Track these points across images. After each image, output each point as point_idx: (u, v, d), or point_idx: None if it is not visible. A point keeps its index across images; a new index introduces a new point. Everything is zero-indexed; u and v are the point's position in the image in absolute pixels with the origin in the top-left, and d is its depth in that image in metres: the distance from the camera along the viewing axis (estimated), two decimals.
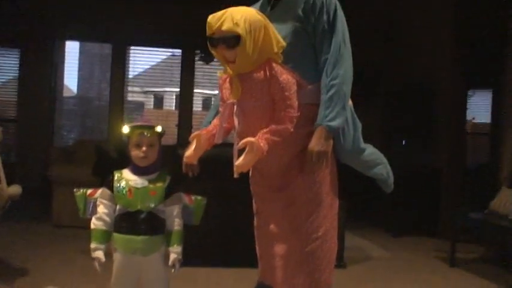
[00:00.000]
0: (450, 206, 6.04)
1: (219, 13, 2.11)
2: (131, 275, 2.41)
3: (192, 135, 2.31)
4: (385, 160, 2.62)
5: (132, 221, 2.34)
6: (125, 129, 2.40)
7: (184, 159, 2.32)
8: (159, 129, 2.43)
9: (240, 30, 2.06)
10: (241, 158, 2.10)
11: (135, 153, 2.38)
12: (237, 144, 2.22)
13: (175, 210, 2.43)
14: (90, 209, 2.46)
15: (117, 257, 2.40)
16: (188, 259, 2.61)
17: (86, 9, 7.91)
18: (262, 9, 2.35)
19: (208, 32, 2.13)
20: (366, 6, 7.72)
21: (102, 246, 2.39)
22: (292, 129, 2.17)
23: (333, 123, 2.19)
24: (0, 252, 4.31)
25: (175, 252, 2.38)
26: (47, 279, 3.65)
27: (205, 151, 2.36)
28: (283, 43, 2.21)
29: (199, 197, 2.52)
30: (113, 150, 6.05)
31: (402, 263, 4.83)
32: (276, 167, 2.31)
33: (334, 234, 2.39)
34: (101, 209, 2.41)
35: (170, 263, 2.38)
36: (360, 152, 2.46)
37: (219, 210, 3.87)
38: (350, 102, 2.39)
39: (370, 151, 2.53)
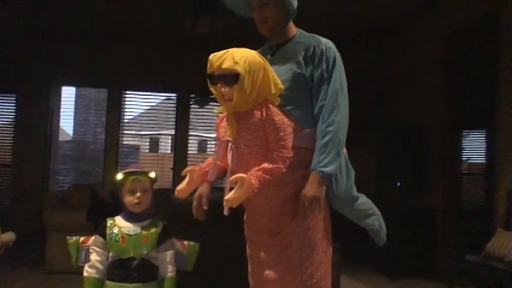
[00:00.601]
0: (446, 247, 6.02)
1: (221, 52, 2.18)
2: None
3: (185, 170, 2.32)
4: (378, 212, 2.60)
5: (125, 268, 2.34)
6: (119, 176, 2.42)
7: (176, 193, 2.32)
8: (152, 175, 2.45)
9: (239, 68, 2.12)
10: (232, 192, 2.12)
11: (130, 199, 2.39)
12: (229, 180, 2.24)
13: (169, 256, 2.43)
14: (83, 256, 2.46)
15: None
16: None
17: (82, 54, 8.03)
18: (264, 54, 2.41)
19: (209, 70, 2.20)
20: (359, 50, 7.86)
21: None
22: (284, 170, 2.18)
23: (327, 169, 2.21)
24: None
25: None
26: None
27: (197, 187, 2.36)
28: (282, 86, 2.25)
29: (192, 243, 2.53)
30: (107, 194, 6.05)
31: None
32: (268, 209, 2.30)
33: (328, 280, 2.38)
34: (94, 257, 2.40)
35: None
36: (352, 200, 2.46)
37: (211, 255, 3.84)
38: (344, 150, 2.41)
39: (363, 200, 2.52)
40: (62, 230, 5.52)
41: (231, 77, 2.14)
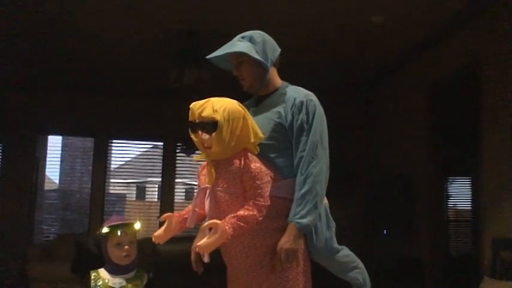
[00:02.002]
0: None
1: (202, 101, 2.24)
2: None
3: (164, 215, 2.31)
4: (362, 265, 2.58)
5: None
6: (104, 229, 2.39)
7: (153, 239, 2.31)
8: (137, 226, 2.43)
9: (218, 116, 2.17)
10: (205, 238, 2.12)
11: (117, 253, 2.37)
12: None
13: None
14: None
15: None
16: None
17: (68, 104, 8.07)
18: (250, 105, 2.48)
19: (190, 118, 2.25)
20: (344, 100, 7.98)
21: None
22: (260, 218, 2.19)
23: (303, 221, 2.22)
24: None
25: None
26: None
27: (175, 234, 2.35)
28: (261, 135, 2.29)
29: None
30: (93, 245, 5.99)
31: None
32: (245, 259, 2.28)
33: None
34: None
35: None
36: (333, 252, 2.45)
37: None
38: (326, 201, 2.43)
39: (345, 253, 2.51)
40: (47, 282, 5.47)
41: (210, 125, 2.19)
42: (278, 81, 2.54)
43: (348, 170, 7.06)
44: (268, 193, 2.23)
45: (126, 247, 2.37)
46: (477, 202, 5.86)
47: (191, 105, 2.24)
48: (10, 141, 8.08)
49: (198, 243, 2.13)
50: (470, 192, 8.39)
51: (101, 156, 8.53)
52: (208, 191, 2.27)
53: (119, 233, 2.37)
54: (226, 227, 2.12)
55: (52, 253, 5.96)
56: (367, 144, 8.01)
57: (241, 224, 2.15)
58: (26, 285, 5.71)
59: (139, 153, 9.88)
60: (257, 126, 2.30)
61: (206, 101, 2.23)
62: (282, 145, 2.38)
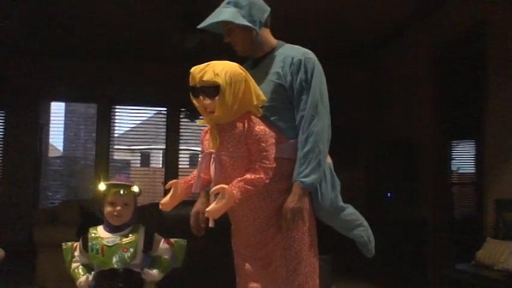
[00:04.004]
0: (437, 257, 6.04)
1: (202, 65, 2.20)
2: None
3: (169, 183, 2.32)
4: (366, 223, 2.60)
5: (109, 279, 2.36)
6: (101, 186, 2.42)
7: (160, 207, 2.32)
8: (135, 189, 2.44)
9: (220, 80, 2.14)
10: (213, 203, 2.13)
11: (109, 211, 2.40)
12: (214, 196, 2.24)
13: (163, 249, 2.49)
14: None
15: None
16: None
17: (71, 70, 8.04)
18: (247, 68, 2.43)
19: (191, 83, 2.22)
20: (349, 64, 7.94)
21: (84, 276, 2.42)
22: (267, 180, 2.20)
23: (307, 180, 2.22)
24: None
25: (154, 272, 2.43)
26: None
27: (181, 200, 2.36)
28: (264, 97, 2.27)
29: (179, 239, 2.55)
30: (97, 210, 6.03)
31: None
32: (252, 221, 2.30)
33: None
34: (77, 253, 2.46)
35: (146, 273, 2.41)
36: (338, 211, 2.46)
37: (202, 267, 3.85)
38: (330, 160, 2.43)
39: (350, 211, 2.52)
40: (53, 247, 5.49)
41: (212, 89, 2.16)
42: (273, 41, 2.51)
43: (352, 134, 7.05)
44: (273, 155, 2.22)
45: (119, 208, 2.39)
46: (481, 165, 5.86)
47: (191, 70, 2.21)
48: (13, 108, 8.09)
49: (207, 209, 2.13)
50: (474, 156, 8.40)
51: (105, 122, 8.54)
52: (213, 156, 2.27)
53: (114, 193, 2.39)
54: (234, 191, 2.12)
55: (57, 218, 5.98)
56: (371, 108, 7.98)
57: (249, 187, 2.16)
58: (33, 249, 5.77)
59: (143, 120, 9.87)
60: (259, 89, 2.28)
61: (206, 65, 2.20)
62: (283, 106, 2.37)
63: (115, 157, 9.23)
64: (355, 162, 7.01)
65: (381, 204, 6.57)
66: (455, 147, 8.41)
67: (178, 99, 7.93)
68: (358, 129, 7.80)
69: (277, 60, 2.41)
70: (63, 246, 2.51)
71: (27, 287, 5.65)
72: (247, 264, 2.40)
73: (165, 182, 8.42)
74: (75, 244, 2.51)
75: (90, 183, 8.66)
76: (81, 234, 2.53)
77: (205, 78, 2.16)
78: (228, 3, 2.41)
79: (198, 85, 2.19)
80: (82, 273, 2.44)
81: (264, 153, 2.20)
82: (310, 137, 2.26)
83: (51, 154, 9.31)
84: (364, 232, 2.58)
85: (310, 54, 2.40)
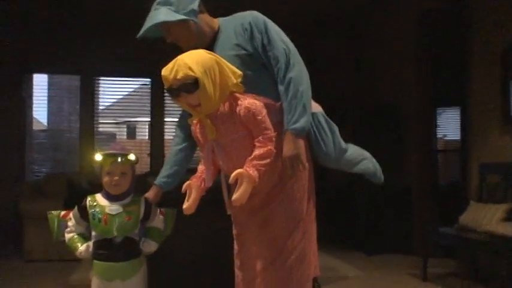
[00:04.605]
0: (421, 222, 6.13)
1: (170, 64, 2.14)
2: None
3: (184, 186, 2.29)
4: (368, 154, 2.67)
5: (109, 248, 2.36)
6: (97, 157, 2.40)
7: (184, 212, 2.27)
8: (132, 157, 2.43)
9: (195, 73, 2.09)
10: (236, 192, 2.11)
11: (107, 180, 2.39)
12: (225, 181, 2.28)
13: (158, 220, 2.52)
14: (63, 231, 2.48)
15: (95, 282, 2.41)
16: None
17: (52, 41, 7.92)
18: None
19: (166, 85, 2.16)
20: (332, 32, 7.91)
21: (85, 245, 2.41)
22: (275, 150, 2.19)
23: (297, 126, 2.24)
24: None
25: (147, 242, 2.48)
26: None
27: (199, 197, 2.31)
28: (239, 72, 2.25)
29: (169, 209, 2.58)
30: (84, 182, 6.03)
31: (375, 281, 4.87)
32: (258, 185, 2.24)
33: (314, 248, 2.45)
34: (71, 223, 2.44)
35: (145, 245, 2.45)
36: (342, 153, 2.52)
37: (192, 238, 3.87)
38: (320, 108, 2.47)
39: (352, 149, 2.58)
40: (39, 219, 5.52)
41: (191, 85, 2.11)
42: (214, 22, 2.50)
43: (336, 103, 7.06)
44: (271, 124, 2.22)
45: (116, 178, 2.38)
46: (465, 131, 5.91)
47: (162, 73, 2.15)
48: None
49: (233, 198, 2.11)
50: (458, 122, 8.44)
51: (88, 94, 8.46)
52: (214, 145, 2.26)
53: (110, 162, 2.38)
54: (250, 172, 2.11)
55: (44, 191, 5.98)
56: (356, 76, 7.98)
57: (262, 162, 2.15)
58: (19, 222, 5.77)
59: (129, 91, 9.80)
60: (231, 65, 2.25)
61: (174, 62, 2.13)
62: (258, 73, 2.37)
63: (100, 129, 9.16)
64: (339, 129, 7.03)
65: None
66: (440, 115, 8.45)
67: (161, 70, 7.90)
68: (342, 96, 7.81)
69: (228, 35, 2.41)
70: (49, 215, 2.49)
71: (14, 258, 5.66)
72: (245, 230, 2.42)
73: (152, 154, 8.46)
74: (62, 213, 2.49)
75: (76, 156, 8.63)
76: (69, 206, 2.52)
77: (179, 77, 2.10)
78: (158, 3, 2.40)
79: (174, 86, 2.14)
80: (80, 243, 2.43)
81: (263, 125, 2.19)
82: (289, 85, 2.27)
83: (35, 127, 9.21)
84: (369, 163, 2.65)
85: (254, 13, 2.41)
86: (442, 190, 6.73)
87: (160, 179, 2.62)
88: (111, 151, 2.43)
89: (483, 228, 4.54)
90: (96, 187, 2.54)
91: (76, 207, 2.44)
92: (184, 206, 2.27)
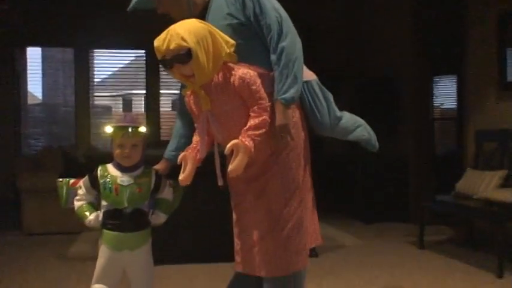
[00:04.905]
0: (418, 190, 6.16)
1: (163, 34, 2.11)
2: (117, 269, 2.42)
3: (179, 157, 2.28)
4: (363, 121, 2.66)
5: (118, 218, 2.37)
6: (108, 129, 2.39)
7: (181, 183, 2.28)
8: (142, 129, 2.41)
9: (188, 43, 2.06)
10: (232, 162, 2.11)
11: (118, 153, 2.38)
12: (218, 151, 2.26)
13: (167, 192, 2.52)
14: (71, 198, 2.48)
15: (103, 251, 2.41)
16: (161, 257, 2.64)
17: (45, 13, 7.83)
18: None
19: (159, 56, 2.14)
20: (329, 4, 7.83)
21: (95, 214, 2.41)
22: (269, 119, 2.18)
23: (287, 95, 2.21)
24: None
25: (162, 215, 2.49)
26: (20, 286, 3.62)
27: (195, 168, 2.30)
28: (232, 41, 2.22)
29: (178, 182, 2.56)
30: (80, 156, 6.02)
31: (373, 249, 4.91)
32: (254, 155, 2.24)
33: (312, 216, 2.45)
34: (81, 192, 2.44)
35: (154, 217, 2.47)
36: (337, 121, 2.51)
37: (189, 207, 3.89)
38: (315, 76, 2.45)
39: (347, 117, 2.57)
40: (37, 192, 5.55)
41: (184, 55, 2.08)
42: None
43: (332, 73, 7.02)
44: (265, 93, 2.20)
45: (127, 150, 2.37)
46: (462, 99, 5.91)
47: (155, 44, 2.12)
48: None
49: (229, 169, 2.11)
50: (455, 91, 8.43)
51: (83, 67, 8.40)
52: (209, 116, 2.24)
53: (121, 135, 2.37)
54: (246, 142, 2.10)
55: (40, 165, 5.98)
56: (352, 45, 7.93)
57: (257, 132, 2.14)
58: (18, 196, 5.78)
59: (124, 64, 9.73)
60: (224, 35, 2.22)
61: (167, 33, 2.10)
62: (251, 42, 2.33)
63: (96, 102, 9.12)
64: (336, 101, 7.01)
65: None
66: (437, 83, 8.44)
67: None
68: (339, 65, 7.77)
69: (219, 4, 2.36)
70: (58, 182, 2.50)
71: (13, 232, 5.68)
72: (242, 199, 2.42)
73: (148, 126, 8.43)
74: (71, 181, 2.49)
75: (72, 129, 8.60)
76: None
77: (172, 47, 2.07)
78: None
79: (167, 56, 2.11)
80: (89, 211, 2.43)
81: (257, 95, 2.17)
82: (281, 54, 2.24)
83: (30, 101, 9.16)
84: (364, 131, 2.63)
85: None
86: (439, 158, 6.75)
87: (168, 152, 2.61)
88: (120, 124, 2.39)
89: (480, 195, 4.57)
90: (92, 160, 2.53)
91: (87, 176, 2.43)
92: (180, 177, 2.27)
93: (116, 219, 2.37)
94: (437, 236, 5.33)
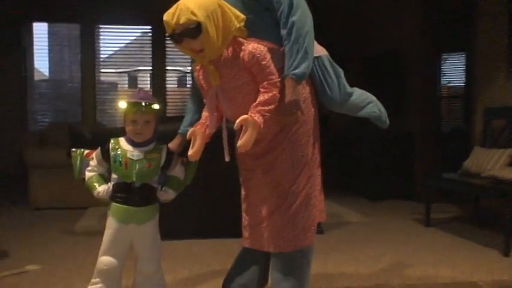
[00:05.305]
0: (425, 169, 6.14)
1: (172, 9, 2.08)
2: (124, 241, 2.43)
3: (188, 133, 2.27)
4: (374, 98, 2.63)
5: (127, 191, 2.38)
6: (122, 104, 2.37)
7: (190, 158, 2.27)
8: (156, 106, 2.41)
9: (198, 17, 2.04)
10: (241, 138, 2.10)
11: (131, 129, 2.38)
12: (226, 127, 2.25)
13: (178, 169, 2.52)
14: (84, 169, 2.50)
15: (110, 223, 2.43)
16: (166, 233, 2.64)
17: None
18: None
19: (168, 31, 2.12)
20: None
21: (104, 186, 2.43)
22: (279, 95, 2.17)
23: (297, 71, 2.19)
24: None
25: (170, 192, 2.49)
26: (28, 259, 3.65)
27: (204, 144, 2.29)
28: (242, 15, 2.19)
29: None
30: (86, 131, 6.02)
31: (378, 226, 4.91)
32: (265, 129, 2.25)
33: (318, 192, 2.45)
34: (93, 163, 2.46)
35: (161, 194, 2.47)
36: (348, 97, 2.49)
37: (197, 183, 3.90)
38: (325, 51, 2.43)
39: (358, 93, 2.55)
40: (43, 167, 5.57)
41: (194, 29, 2.05)
42: None
43: (339, 49, 6.97)
44: (275, 69, 2.18)
45: (139, 126, 2.37)
46: (470, 76, 5.86)
47: (164, 18, 2.09)
48: None
49: (238, 145, 2.10)
50: (463, 68, 8.36)
51: (89, 43, 8.40)
52: (218, 92, 2.22)
53: (134, 112, 2.36)
54: (255, 117, 2.09)
55: (47, 140, 5.99)
56: (360, 21, 7.85)
57: (267, 108, 2.12)
58: (25, 171, 5.80)
59: (130, 40, 9.69)
60: (234, 9, 2.19)
61: (176, 7, 2.07)
62: (262, 16, 2.30)
63: (102, 78, 9.11)
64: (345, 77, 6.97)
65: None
66: (445, 61, 8.36)
67: (162, 18, 7.77)
68: (346, 41, 7.70)
69: None
70: (72, 153, 2.51)
71: (21, 206, 5.72)
72: (251, 175, 2.42)
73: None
74: (85, 151, 2.50)
75: (78, 106, 8.61)
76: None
77: (182, 22, 2.04)
78: None
79: (177, 31, 2.09)
80: (98, 183, 2.45)
81: (268, 70, 2.16)
82: (291, 29, 2.22)
83: (36, 77, 9.16)
84: (375, 107, 2.61)
85: None
86: (445, 136, 6.73)
87: (183, 127, 2.60)
88: (134, 100, 2.37)
89: (487, 173, 4.55)
90: (98, 136, 2.53)
91: (99, 148, 2.44)
92: (189, 153, 2.26)
93: (124, 193, 2.39)
94: (444, 213, 5.33)
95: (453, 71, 8.64)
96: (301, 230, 2.34)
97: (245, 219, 2.47)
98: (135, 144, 2.41)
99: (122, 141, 2.43)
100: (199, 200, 4.23)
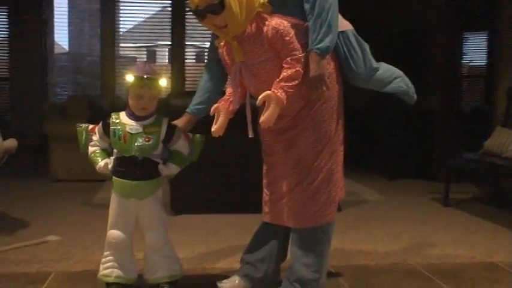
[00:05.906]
0: (445, 148, 6.09)
1: None
2: (128, 216, 2.45)
3: (212, 108, 2.27)
4: (401, 73, 2.57)
5: (127, 166, 2.38)
6: (129, 77, 2.33)
7: (213, 134, 2.26)
8: (163, 82, 2.38)
9: None
10: (264, 114, 2.09)
11: (135, 103, 2.36)
12: (249, 103, 2.24)
13: (182, 144, 2.49)
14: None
15: (113, 198, 2.45)
16: (185, 207, 2.66)
17: None
18: None
19: (192, 7, 2.12)
20: None
21: (104, 161, 2.45)
22: (302, 70, 2.15)
23: (321, 45, 2.17)
24: None
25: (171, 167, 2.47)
26: (48, 230, 3.69)
27: (228, 120, 2.29)
28: None
29: (197, 135, 2.54)
30: (106, 104, 6.06)
31: (396, 205, 4.89)
32: (289, 105, 2.23)
33: (340, 168, 2.44)
34: (95, 137, 2.47)
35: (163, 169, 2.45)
36: (374, 72, 2.44)
37: (216, 158, 3.90)
38: (350, 26, 2.39)
39: (384, 68, 2.50)
40: (63, 139, 5.60)
41: (217, 5, 2.07)
42: None
43: (361, 26, 6.89)
44: (298, 44, 2.17)
45: (144, 101, 2.35)
46: (493, 56, 5.76)
47: None
48: (16, 3, 7.92)
49: (261, 120, 2.10)
50: (485, 48, 8.25)
51: (109, 17, 8.38)
52: (242, 68, 2.22)
53: (141, 86, 2.33)
54: (278, 93, 2.09)
55: (67, 113, 6.02)
56: None
57: (290, 83, 2.11)
58: (45, 143, 5.86)
59: (150, 14, 9.67)
60: None
61: None
62: None
63: (121, 53, 9.11)
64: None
65: (389, 95, 6.53)
66: (467, 40, 8.25)
67: None
68: (368, 17, 7.59)
69: None
70: (78, 128, 2.50)
71: (41, 178, 5.79)
72: (272, 150, 2.42)
73: (172, 78, 8.42)
74: (90, 126, 2.49)
75: (97, 79, 8.64)
76: None
77: None
78: None
79: (200, 7, 2.10)
80: (101, 158, 2.45)
81: (291, 46, 2.14)
82: (314, 2, 2.19)
83: (56, 51, 9.20)
84: (401, 82, 2.55)
85: None
86: (466, 116, 6.66)
87: (192, 106, 2.55)
88: (142, 74, 2.33)
89: (509, 153, 4.49)
90: (117, 109, 2.52)
91: (101, 123, 2.43)
92: (213, 129, 2.26)
93: (124, 167, 2.38)
94: (463, 194, 5.29)
95: (475, 51, 8.53)
96: (322, 206, 2.34)
97: (266, 194, 2.47)
98: (136, 118, 2.39)
99: (123, 115, 2.42)
100: (218, 175, 4.24)
